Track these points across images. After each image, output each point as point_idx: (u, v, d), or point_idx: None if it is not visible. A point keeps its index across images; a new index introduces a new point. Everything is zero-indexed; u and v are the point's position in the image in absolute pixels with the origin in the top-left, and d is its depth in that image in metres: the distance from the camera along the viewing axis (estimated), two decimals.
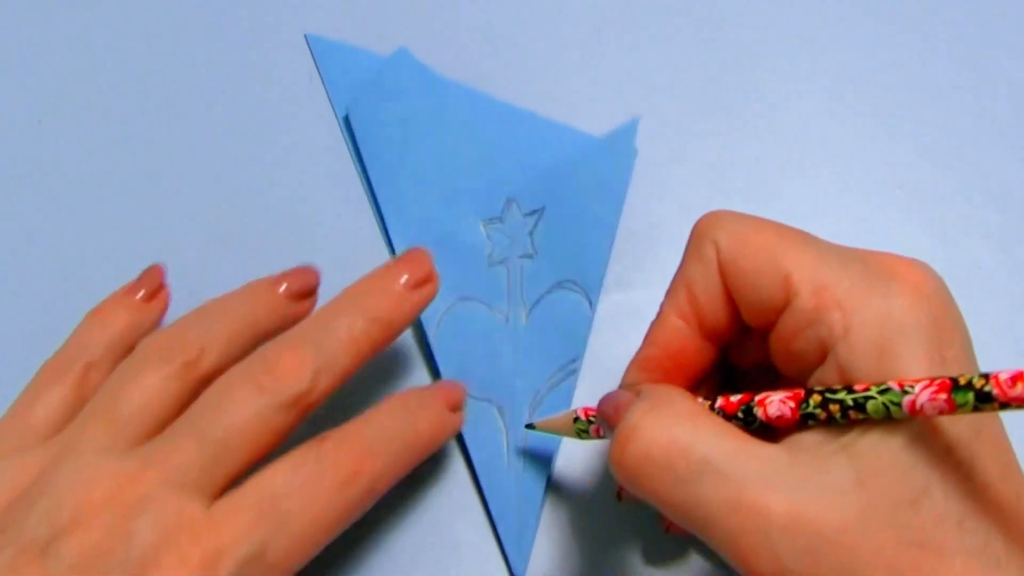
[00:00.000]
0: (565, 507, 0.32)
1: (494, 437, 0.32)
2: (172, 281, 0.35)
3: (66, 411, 0.27)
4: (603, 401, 0.27)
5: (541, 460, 0.32)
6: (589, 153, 0.36)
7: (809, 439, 0.23)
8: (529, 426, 0.31)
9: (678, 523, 0.23)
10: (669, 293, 0.27)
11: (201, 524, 0.23)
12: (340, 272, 0.35)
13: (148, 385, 0.26)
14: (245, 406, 0.25)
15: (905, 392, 0.21)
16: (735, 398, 0.24)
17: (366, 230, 0.36)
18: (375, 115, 0.37)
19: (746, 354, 0.28)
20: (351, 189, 0.37)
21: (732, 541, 0.22)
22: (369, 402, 0.32)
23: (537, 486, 0.32)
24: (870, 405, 0.21)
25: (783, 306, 0.24)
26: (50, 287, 0.35)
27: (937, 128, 0.38)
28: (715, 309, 0.26)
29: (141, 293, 0.31)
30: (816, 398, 0.22)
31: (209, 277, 0.35)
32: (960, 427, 0.22)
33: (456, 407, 0.30)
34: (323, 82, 0.38)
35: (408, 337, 0.34)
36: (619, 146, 0.36)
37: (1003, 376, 0.19)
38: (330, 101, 0.38)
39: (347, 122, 0.37)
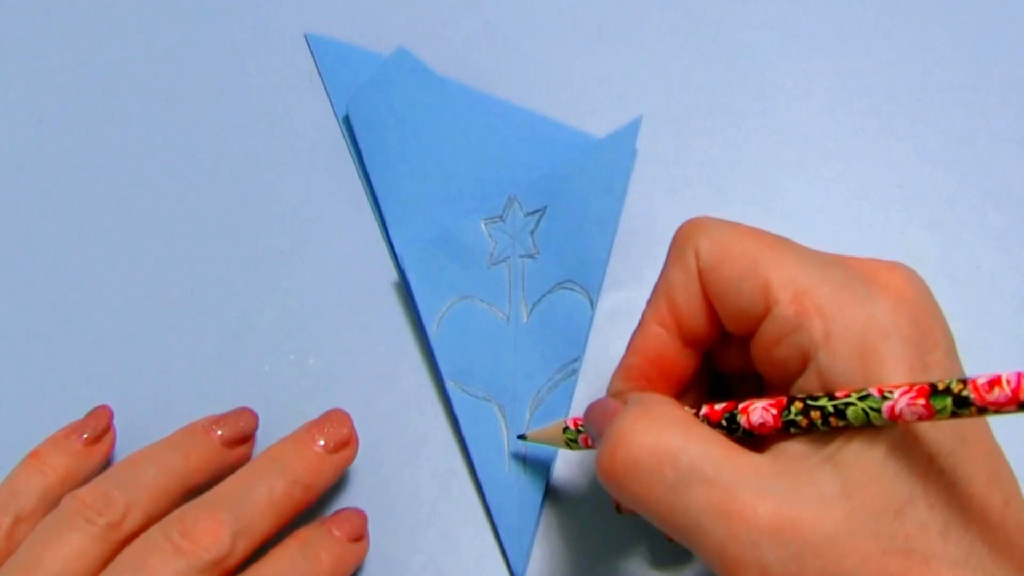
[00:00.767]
0: (565, 507, 0.32)
1: (494, 437, 0.32)
2: (173, 282, 0.35)
3: None
4: (590, 410, 0.26)
5: (541, 459, 0.32)
6: (590, 153, 0.36)
7: (795, 448, 0.22)
8: (521, 437, 0.31)
9: (664, 530, 0.23)
10: (650, 301, 0.27)
11: None
12: (340, 272, 0.35)
13: (70, 547, 0.26)
14: (162, 569, 0.26)
15: (885, 398, 0.21)
16: (719, 406, 0.24)
17: (366, 230, 0.36)
18: (375, 115, 0.37)
19: (731, 360, 0.27)
20: (351, 189, 0.37)
21: (719, 548, 0.21)
22: (371, 409, 0.32)
23: (537, 485, 0.32)
24: (850, 411, 0.21)
25: (764, 313, 0.24)
26: (51, 286, 0.35)
27: (937, 128, 0.38)
28: (696, 316, 0.26)
29: (85, 436, 0.30)
30: (798, 405, 0.22)
31: (209, 277, 0.35)
32: (944, 433, 0.21)
33: (357, 537, 0.30)
34: (323, 82, 0.38)
35: (408, 336, 0.34)
36: (620, 146, 0.36)
37: (981, 380, 0.19)
38: (330, 101, 0.38)
39: (347, 122, 0.37)
